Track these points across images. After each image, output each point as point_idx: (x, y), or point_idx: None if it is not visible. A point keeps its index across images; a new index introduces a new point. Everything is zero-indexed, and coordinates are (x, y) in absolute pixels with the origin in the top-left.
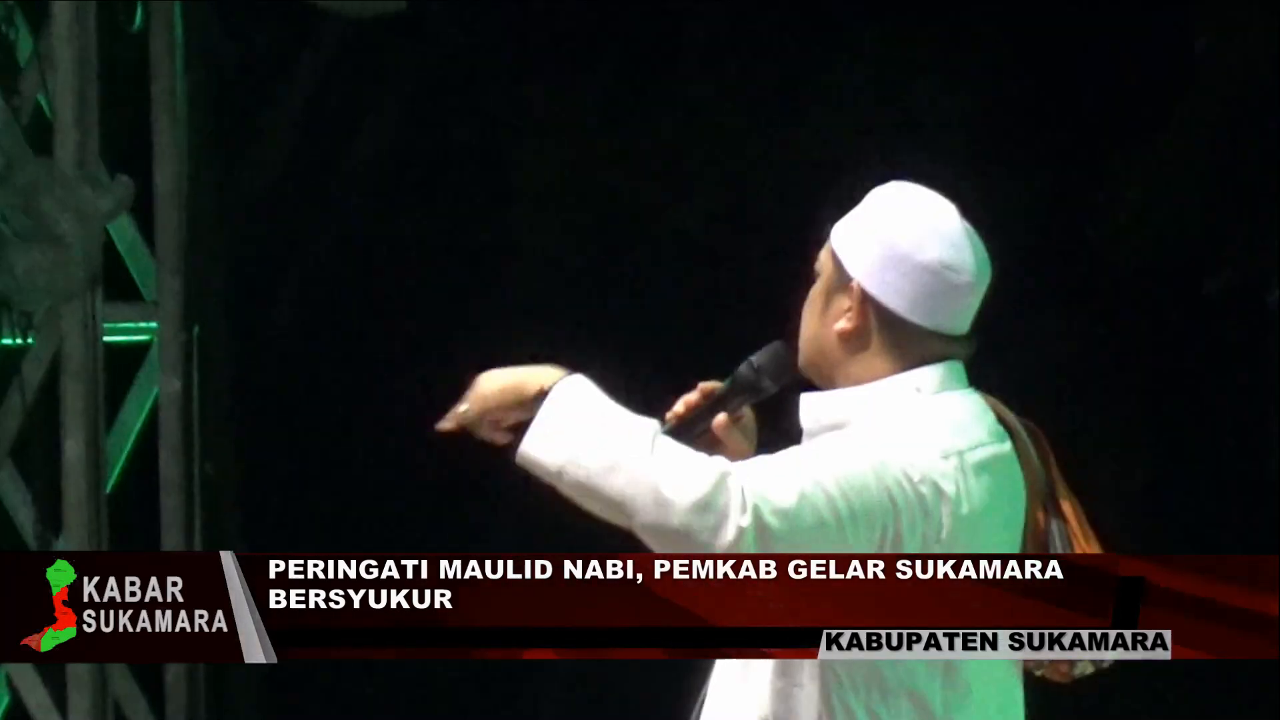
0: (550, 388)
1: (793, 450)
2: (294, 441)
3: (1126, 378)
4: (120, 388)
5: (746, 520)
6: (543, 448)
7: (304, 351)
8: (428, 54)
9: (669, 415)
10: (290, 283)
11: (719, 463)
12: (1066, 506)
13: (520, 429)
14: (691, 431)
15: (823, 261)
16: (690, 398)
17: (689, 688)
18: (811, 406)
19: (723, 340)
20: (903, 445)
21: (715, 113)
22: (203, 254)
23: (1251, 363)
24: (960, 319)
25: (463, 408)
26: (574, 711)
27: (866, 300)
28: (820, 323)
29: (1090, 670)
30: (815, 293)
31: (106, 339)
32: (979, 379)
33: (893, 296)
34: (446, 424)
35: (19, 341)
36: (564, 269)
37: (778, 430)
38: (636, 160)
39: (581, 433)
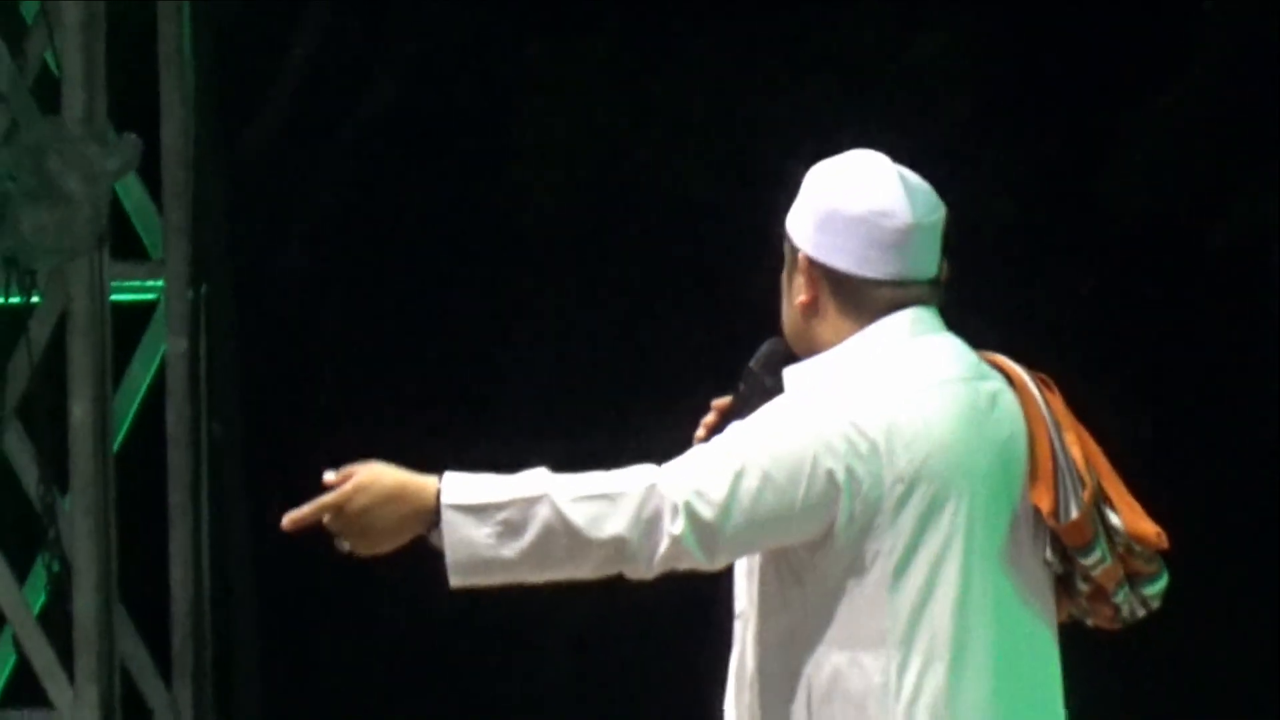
0: (435, 516)
1: (729, 432)
2: (300, 399)
3: (1132, 334)
4: (127, 346)
5: (679, 527)
6: (466, 571)
7: (310, 310)
8: (432, 12)
9: (696, 438)
10: (296, 241)
11: (640, 475)
12: (1074, 445)
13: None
14: None
15: (785, 251)
16: (709, 419)
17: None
18: (793, 379)
19: (726, 300)
20: (851, 395)
21: (717, 70)
22: (209, 213)
23: (1256, 318)
24: (913, 262)
25: (341, 545)
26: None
27: (814, 266)
28: (788, 305)
29: (1142, 613)
30: (782, 280)
31: (113, 298)
32: (982, 338)
33: (834, 255)
34: (288, 524)
35: (25, 300)
36: (567, 226)
37: None
38: (639, 118)
39: (490, 534)
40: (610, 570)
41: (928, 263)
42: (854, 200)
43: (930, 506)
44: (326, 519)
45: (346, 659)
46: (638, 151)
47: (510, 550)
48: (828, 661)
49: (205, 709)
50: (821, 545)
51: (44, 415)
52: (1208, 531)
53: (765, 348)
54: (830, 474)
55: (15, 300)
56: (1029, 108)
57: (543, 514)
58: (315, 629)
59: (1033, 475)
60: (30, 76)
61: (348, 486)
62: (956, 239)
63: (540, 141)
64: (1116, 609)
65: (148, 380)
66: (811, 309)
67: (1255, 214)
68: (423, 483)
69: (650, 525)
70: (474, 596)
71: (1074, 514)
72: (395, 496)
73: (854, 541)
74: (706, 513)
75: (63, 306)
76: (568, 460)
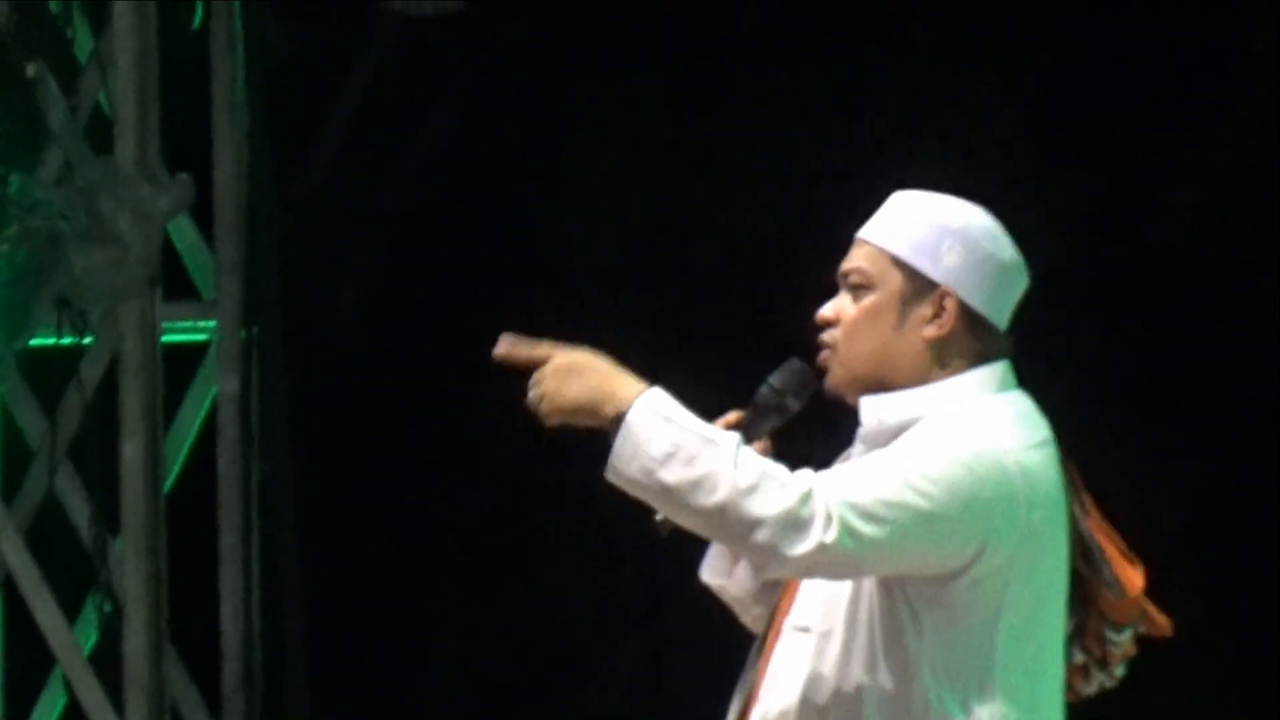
0: (626, 410)
1: (873, 456)
2: (352, 441)
3: (1185, 380)
4: (178, 387)
5: (831, 536)
6: (626, 469)
7: (362, 351)
8: (484, 52)
9: None
10: (348, 281)
11: (804, 477)
12: (1098, 523)
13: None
14: None
15: (875, 272)
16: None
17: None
18: (878, 407)
19: (776, 339)
20: (989, 437)
21: (769, 110)
22: (261, 253)
23: None
24: (1011, 316)
25: (532, 392)
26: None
27: (958, 304)
28: (896, 334)
29: (1094, 691)
30: (877, 304)
31: (165, 338)
32: (1037, 384)
33: (981, 298)
34: (501, 353)
35: (78, 341)
36: (618, 267)
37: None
38: (690, 157)
39: (662, 451)
40: (743, 548)
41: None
42: (1005, 248)
43: (1037, 569)
44: (537, 365)
45: (398, 698)
46: (689, 194)
47: (670, 475)
48: (935, 694)
49: None
50: (956, 579)
51: (95, 456)
52: (1265, 579)
53: (785, 368)
54: (982, 518)
55: (67, 341)
56: (1081, 150)
57: (715, 460)
58: (366, 669)
59: (1080, 547)
60: (83, 117)
61: (566, 351)
62: None
63: (591, 182)
64: (1087, 683)
65: (199, 421)
66: (940, 344)
67: None
68: (632, 380)
69: (800, 525)
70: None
71: (1112, 590)
72: (604, 374)
73: (987, 585)
74: (864, 528)
75: (114, 347)
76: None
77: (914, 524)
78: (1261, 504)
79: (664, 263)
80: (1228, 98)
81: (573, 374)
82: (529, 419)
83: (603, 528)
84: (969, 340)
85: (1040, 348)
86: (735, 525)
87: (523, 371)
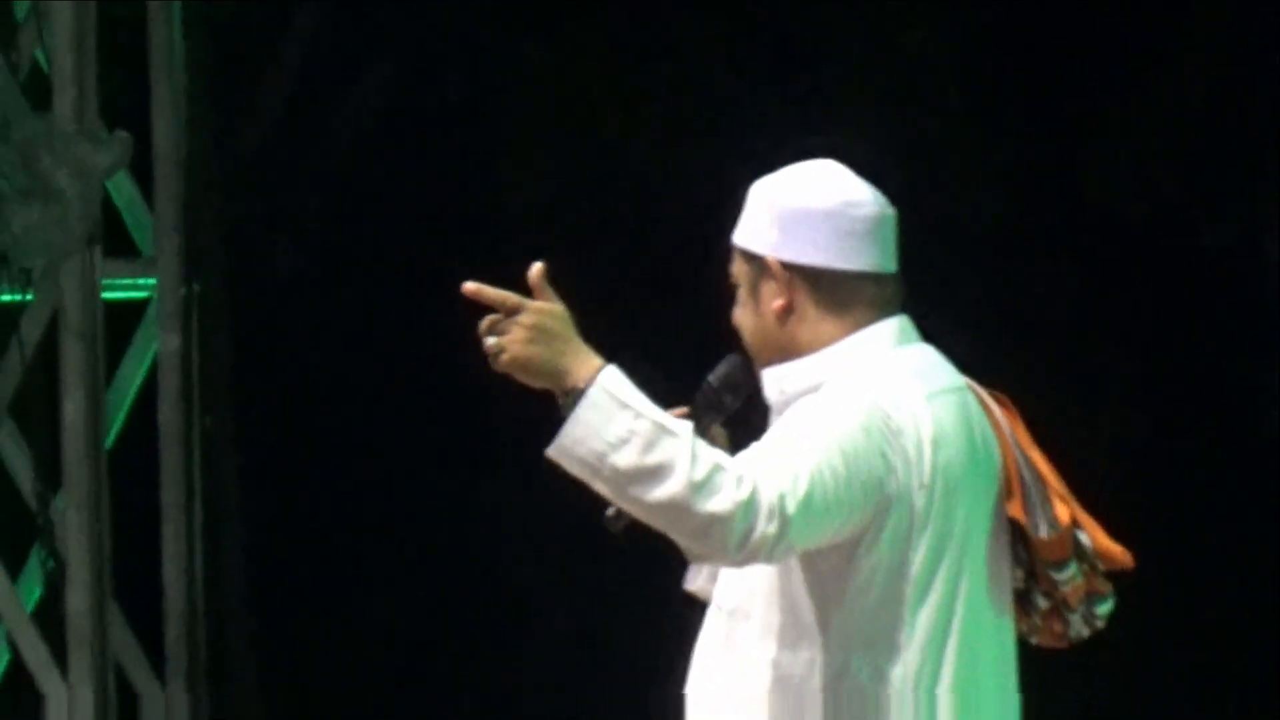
0: (583, 387)
1: (779, 432)
2: (293, 397)
3: (1126, 334)
4: (119, 344)
5: (774, 528)
6: (575, 449)
7: (302, 306)
8: (424, 9)
9: None
10: (287, 238)
11: (746, 470)
12: (1039, 463)
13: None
14: None
15: (736, 270)
16: None
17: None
18: (777, 378)
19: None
20: (880, 395)
21: (707, 65)
22: (201, 210)
23: (1252, 316)
24: (882, 255)
25: (491, 339)
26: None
27: (786, 269)
28: (756, 317)
29: (1086, 633)
30: (742, 296)
31: (105, 295)
32: (978, 340)
33: (808, 251)
34: (471, 288)
35: (18, 298)
36: (558, 223)
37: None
38: (632, 114)
39: (617, 436)
40: (688, 542)
41: (893, 255)
42: (820, 195)
43: (947, 518)
44: (501, 315)
45: (341, 655)
46: (628, 147)
47: (622, 460)
48: (843, 663)
49: (200, 706)
50: (856, 546)
51: (37, 413)
52: (1202, 531)
53: (724, 365)
54: (881, 480)
55: (7, 298)
56: (1021, 105)
57: (672, 450)
58: (310, 626)
59: (1007, 490)
60: (21, 74)
61: (541, 303)
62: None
63: (531, 137)
64: (1068, 626)
65: (140, 378)
66: (788, 312)
67: (1250, 210)
68: (591, 353)
69: (747, 520)
70: (469, 594)
71: (1042, 530)
72: (570, 345)
73: (887, 545)
74: (798, 516)
75: (55, 304)
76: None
77: (835, 499)
78: (1200, 459)
79: (606, 219)
80: (1165, 51)
81: (541, 335)
82: (480, 358)
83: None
84: (824, 298)
85: (972, 299)
86: (685, 519)
87: (485, 310)
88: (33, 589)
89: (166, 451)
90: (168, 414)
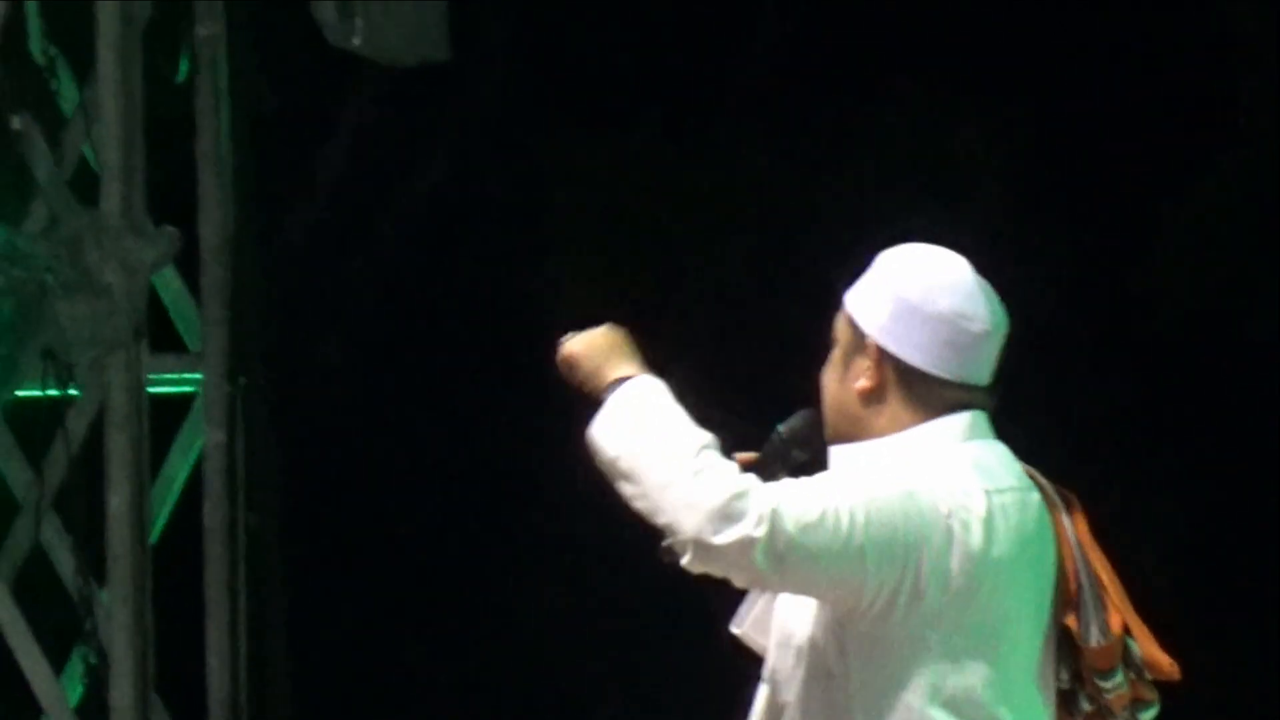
0: (625, 378)
1: (825, 474)
2: (338, 493)
3: (1172, 429)
4: (165, 439)
5: (760, 531)
6: (605, 434)
7: (347, 401)
8: (470, 103)
9: None
10: (334, 334)
11: (750, 477)
12: (1100, 568)
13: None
14: None
15: (839, 328)
16: None
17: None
18: (842, 458)
19: (762, 390)
20: (933, 480)
21: (756, 162)
22: (247, 305)
23: None
24: (979, 369)
25: (568, 346)
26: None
27: (883, 356)
28: (841, 386)
29: None
30: (834, 358)
31: (151, 390)
32: (1022, 435)
33: (908, 349)
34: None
35: (64, 393)
36: (607, 319)
37: None
38: (677, 210)
39: (639, 428)
40: (673, 529)
41: (991, 370)
42: (937, 298)
43: (986, 609)
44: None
45: (372, 701)
46: (675, 243)
47: (634, 441)
48: None
49: None
50: (883, 619)
51: (81, 507)
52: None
53: (796, 419)
54: (908, 558)
55: (53, 392)
56: (1066, 200)
57: (681, 440)
58: (343, 677)
59: (1063, 595)
60: (68, 169)
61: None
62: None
63: (577, 234)
64: None
65: (185, 472)
66: (873, 395)
67: None
68: (636, 362)
69: (732, 516)
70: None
71: (1093, 638)
72: (625, 351)
73: (915, 621)
74: (793, 533)
75: (100, 399)
76: (606, 542)
77: (839, 547)
78: (1246, 554)
79: (649, 315)
80: (1211, 148)
81: (600, 340)
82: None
83: (583, 570)
84: (907, 393)
85: (1026, 398)
86: (674, 503)
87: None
88: (76, 683)
89: (210, 546)
90: (212, 508)
